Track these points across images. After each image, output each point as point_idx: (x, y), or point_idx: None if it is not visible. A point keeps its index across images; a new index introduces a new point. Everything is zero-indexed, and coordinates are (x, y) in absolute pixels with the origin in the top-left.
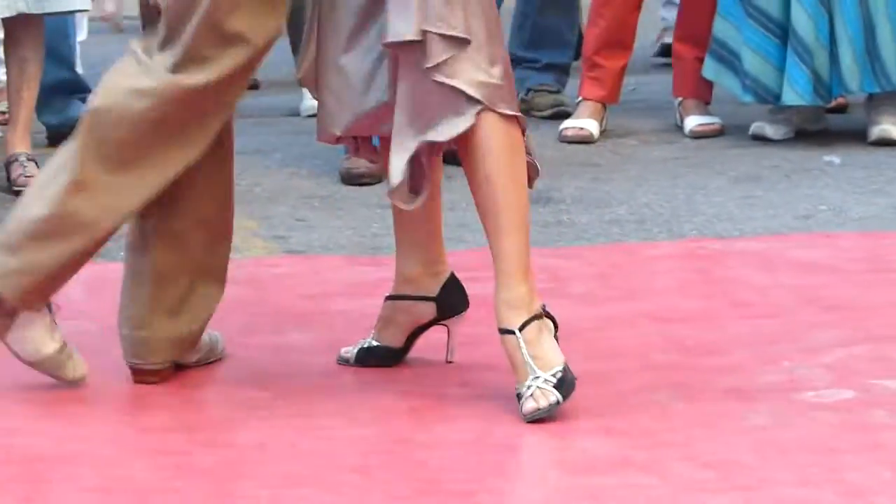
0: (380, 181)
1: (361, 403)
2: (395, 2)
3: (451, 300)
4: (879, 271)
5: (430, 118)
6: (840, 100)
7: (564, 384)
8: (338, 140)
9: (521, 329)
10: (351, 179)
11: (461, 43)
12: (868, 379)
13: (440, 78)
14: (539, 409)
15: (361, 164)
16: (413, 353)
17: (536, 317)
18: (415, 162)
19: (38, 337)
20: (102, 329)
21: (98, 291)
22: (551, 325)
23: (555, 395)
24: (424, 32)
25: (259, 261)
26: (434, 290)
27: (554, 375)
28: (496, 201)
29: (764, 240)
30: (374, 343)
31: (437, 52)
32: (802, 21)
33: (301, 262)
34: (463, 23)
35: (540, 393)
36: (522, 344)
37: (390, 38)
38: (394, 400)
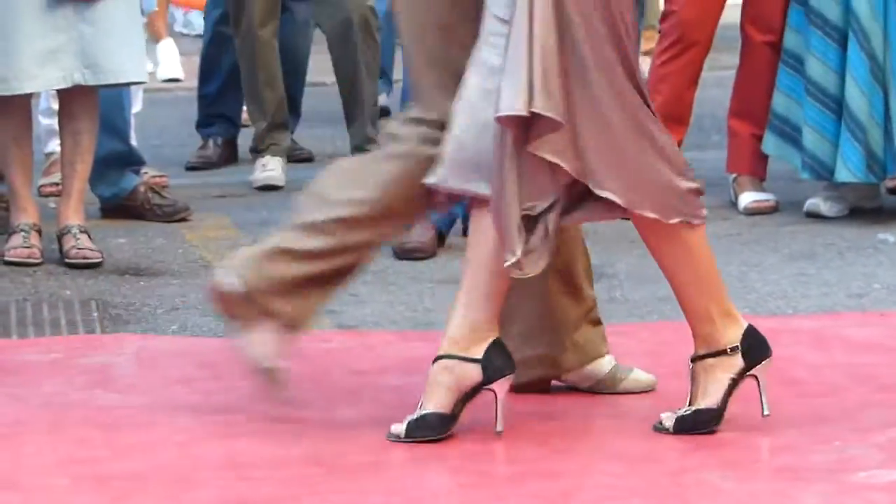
0: (433, 256)
1: (411, 482)
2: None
3: (497, 363)
4: None
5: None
6: None
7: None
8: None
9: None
10: (404, 254)
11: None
12: None
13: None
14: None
15: (414, 239)
16: (461, 425)
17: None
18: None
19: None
20: (151, 403)
21: (148, 364)
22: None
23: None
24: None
25: (311, 335)
26: (479, 352)
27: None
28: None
29: (817, 318)
30: (422, 412)
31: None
32: (856, 97)
33: (352, 337)
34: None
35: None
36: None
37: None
38: (442, 478)
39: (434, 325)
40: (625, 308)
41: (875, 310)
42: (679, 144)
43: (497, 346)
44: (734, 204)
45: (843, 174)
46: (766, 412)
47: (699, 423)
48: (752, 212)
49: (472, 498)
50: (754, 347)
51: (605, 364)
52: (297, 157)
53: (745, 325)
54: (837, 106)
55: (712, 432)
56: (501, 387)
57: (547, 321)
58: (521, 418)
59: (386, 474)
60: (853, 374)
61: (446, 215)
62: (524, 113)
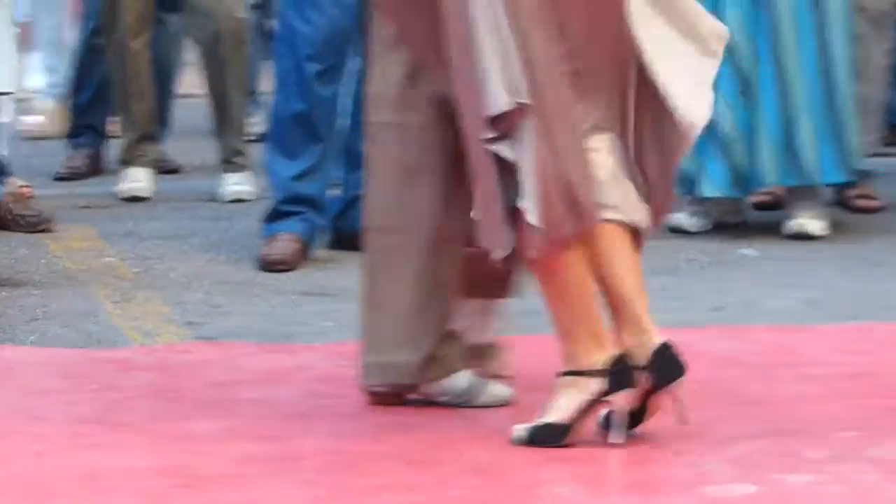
0: (296, 268)
1: (266, 494)
2: None
3: (620, 376)
4: (788, 365)
5: None
6: (776, 191)
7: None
8: None
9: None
10: (268, 266)
11: None
12: (771, 473)
13: None
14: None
15: (277, 251)
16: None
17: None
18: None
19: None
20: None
21: (4, 375)
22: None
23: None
24: None
25: (171, 347)
26: (599, 364)
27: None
28: None
29: (677, 332)
30: (544, 420)
31: None
32: (722, 112)
33: (212, 348)
34: None
35: None
36: None
37: None
38: (298, 490)
39: (294, 336)
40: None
41: (734, 324)
42: None
43: (620, 360)
44: None
45: (708, 189)
46: (619, 439)
47: (548, 437)
48: None
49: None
50: (619, 377)
51: (461, 378)
52: (164, 168)
53: (612, 352)
54: None
55: (561, 446)
56: (623, 399)
57: (413, 329)
58: (378, 430)
59: (241, 487)
60: (711, 388)
61: (309, 228)
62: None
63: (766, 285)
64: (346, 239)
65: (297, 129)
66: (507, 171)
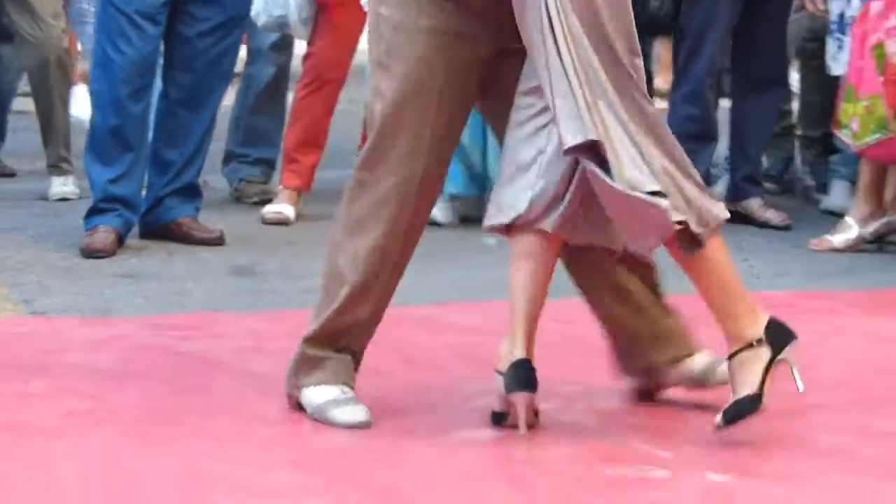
0: (113, 255)
1: (89, 444)
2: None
3: (780, 335)
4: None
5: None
6: None
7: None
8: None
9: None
10: (90, 253)
11: None
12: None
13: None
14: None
15: (97, 241)
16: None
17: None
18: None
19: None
20: None
21: None
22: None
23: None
24: None
25: (7, 320)
26: (759, 333)
27: None
28: None
29: (430, 307)
30: (737, 397)
31: None
32: None
33: (42, 322)
34: None
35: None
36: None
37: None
38: (118, 440)
39: (112, 311)
40: (273, 298)
41: (476, 300)
42: (316, 163)
43: (771, 323)
44: None
45: (450, 187)
46: (801, 389)
47: (745, 410)
48: None
49: (133, 454)
50: (779, 336)
51: (697, 361)
52: (2, 172)
53: (765, 318)
54: None
55: (756, 413)
56: (788, 353)
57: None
58: (184, 390)
59: (68, 437)
60: (458, 352)
61: (123, 222)
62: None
63: (503, 268)
64: (154, 231)
65: (111, 141)
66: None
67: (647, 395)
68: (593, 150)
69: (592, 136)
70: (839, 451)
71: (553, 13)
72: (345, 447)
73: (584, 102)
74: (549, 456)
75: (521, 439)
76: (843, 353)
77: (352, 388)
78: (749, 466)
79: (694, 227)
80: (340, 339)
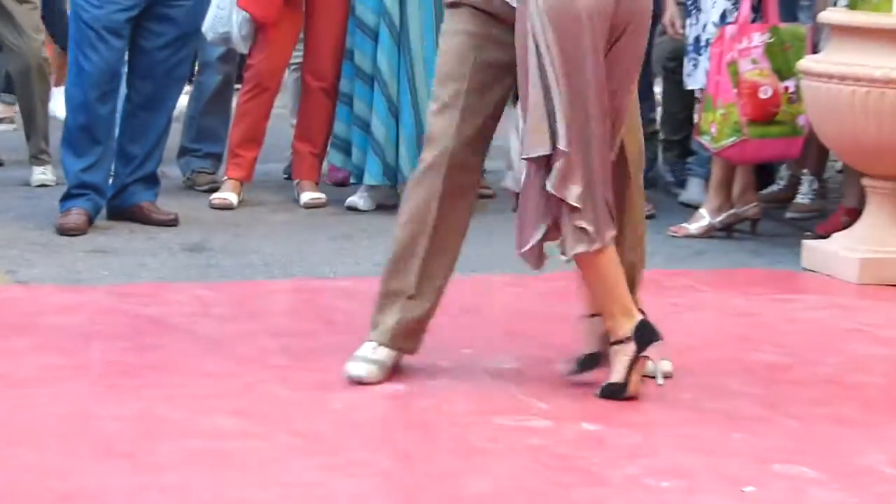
0: (85, 233)
1: (46, 398)
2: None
3: (645, 334)
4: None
5: None
6: None
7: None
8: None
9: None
10: (64, 231)
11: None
12: (415, 376)
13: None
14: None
15: (71, 221)
16: None
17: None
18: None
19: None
20: None
21: None
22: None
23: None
24: None
25: None
26: (629, 332)
27: None
28: None
29: (351, 280)
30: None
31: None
32: (378, 125)
33: (25, 289)
34: None
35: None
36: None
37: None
38: (85, 385)
39: (82, 281)
40: (218, 271)
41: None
42: (256, 157)
43: (641, 324)
44: (297, 200)
45: (368, 179)
46: (660, 382)
47: (612, 393)
48: (309, 206)
49: (98, 401)
50: (644, 336)
51: None
52: None
53: (638, 319)
54: (368, 129)
55: (622, 399)
56: (651, 351)
57: None
58: (142, 347)
59: (48, 385)
60: (365, 316)
61: (93, 205)
62: (548, 152)
63: None
64: (119, 213)
65: (83, 137)
66: (552, 197)
67: (602, 358)
68: (544, 160)
69: (545, 151)
70: (692, 406)
71: (536, 26)
72: (278, 398)
73: (546, 113)
74: (449, 408)
75: (427, 394)
76: (698, 323)
77: (388, 346)
78: (617, 418)
79: (567, 249)
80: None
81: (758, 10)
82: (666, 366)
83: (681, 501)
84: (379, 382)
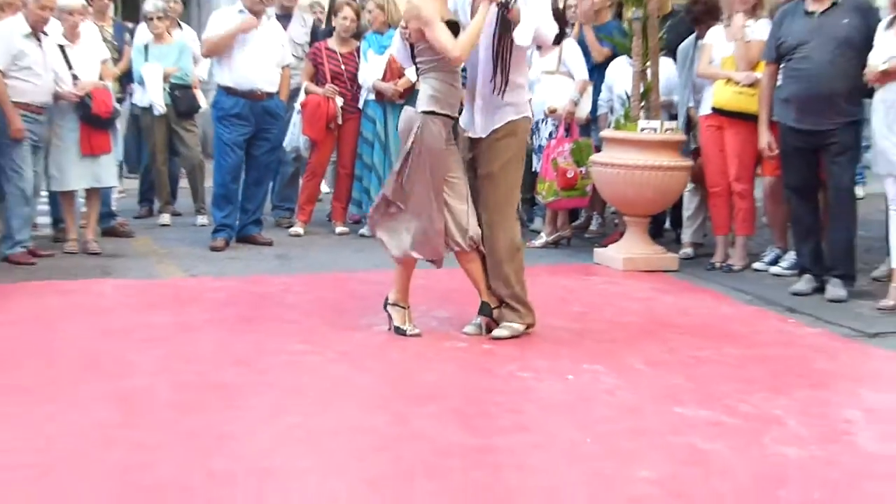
0: (224, 250)
1: (216, 333)
2: None
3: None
4: (332, 288)
5: None
6: None
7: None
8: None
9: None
10: (214, 249)
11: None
12: (332, 344)
13: None
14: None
15: (217, 244)
16: None
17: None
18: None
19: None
20: None
21: None
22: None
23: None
24: None
25: (178, 279)
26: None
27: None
28: None
29: (365, 272)
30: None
31: None
32: (373, 191)
33: (193, 280)
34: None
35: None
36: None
37: None
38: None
39: (224, 275)
40: (293, 269)
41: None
42: (312, 211)
43: (483, 303)
44: (333, 231)
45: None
46: (472, 333)
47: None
48: (340, 234)
49: (246, 342)
50: (483, 308)
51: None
52: (174, 213)
53: (483, 300)
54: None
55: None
56: (480, 317)
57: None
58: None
59: (207, 332)
60: (374, 293)
61: (228, 235)
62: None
63: (354, 254)
64: (242, 239)
65: (223, 200)
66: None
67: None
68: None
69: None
70: (538, 332)
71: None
72: (327, 333)
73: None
74: (415, 339)
75: (348, 356)
76: (541, 291)
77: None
78: (504, 342)
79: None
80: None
81: (568, 130)
82: (500, 332)
83: (534, 383)
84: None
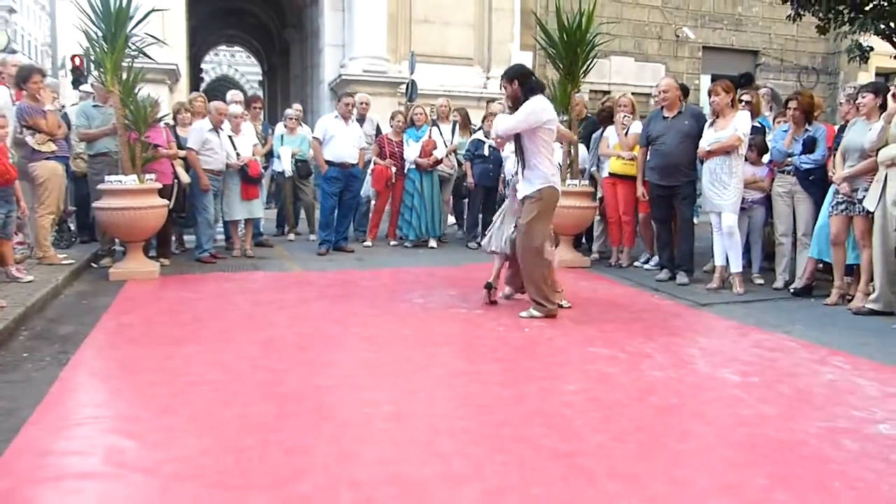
0: (325, 255)
1: (310, 306)
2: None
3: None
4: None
5: None
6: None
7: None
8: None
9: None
10: (319, 255)
11: None
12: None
13: None
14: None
15: (321, 251)
16: None
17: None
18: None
19: None
20: None
21: None
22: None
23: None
24: None
25: (294, 273)
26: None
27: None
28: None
29: (414, 269)
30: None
31: None
32: (414, 224)
33: (305, 273)
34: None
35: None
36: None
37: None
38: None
39: (325, 269)
40: (366, 267)
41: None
42: (376, 235)
43: (487, 283)
44: (389, 245)
45: (412, 237)
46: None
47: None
48: (393, 246)
49: (341, 312)
50: (487, 285)
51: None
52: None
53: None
54: None
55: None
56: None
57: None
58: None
59: (302, 308)
60: (419, 282)
61: (328, 246)
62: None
63: (410, 258)
64: (336, 249)
65: (325, 225)
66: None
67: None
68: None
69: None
70: (512, 302)
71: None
72: (395, 310)
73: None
74: (435, 308)
75: (431, 304)
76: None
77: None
78: (492, 307)
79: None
80: None
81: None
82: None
83: (505, 333)
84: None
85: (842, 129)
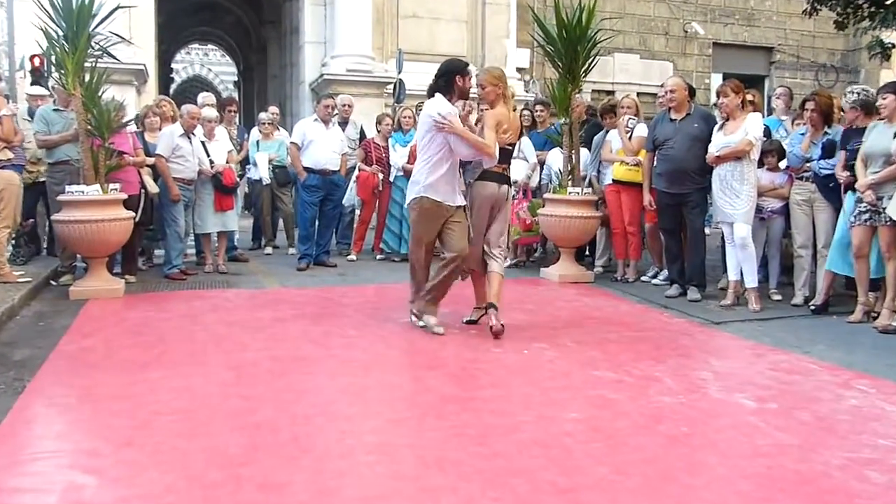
0: (305, 271)
1: (288, 327)
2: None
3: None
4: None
5: None
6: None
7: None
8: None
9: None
10: (299, 270)
11: None
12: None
13: None
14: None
15: (301, 266)
16: None
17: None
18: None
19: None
20: None
21: None
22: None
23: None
24: None
25: (274, 289)
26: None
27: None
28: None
29: (394, 285)
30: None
31: None
32: (393, 237)
33: (283, 290)
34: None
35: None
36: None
37: None
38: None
39: (304, 286)
40: (349, 282)
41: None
42: (362, 247)
43: (489, 303)
44: (375, 259)
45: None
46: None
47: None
48: (380, 260)
49: (304, 329)
50: (489, 306)
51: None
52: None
53: (489, 303)
54: None
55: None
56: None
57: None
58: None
59: (276, 327)
60: (399, 298)
61: (308, 261)
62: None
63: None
64: (317, 264)
65: (304, 238)
66: None
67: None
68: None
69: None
70: (504, 315)
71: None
72: (369, 325)
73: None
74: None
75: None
76: (508, 294)
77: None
78: (486, 323)
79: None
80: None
81: (525, 194)
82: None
83: (501, 355)
84: (423, 327)
85: (847, 131)
